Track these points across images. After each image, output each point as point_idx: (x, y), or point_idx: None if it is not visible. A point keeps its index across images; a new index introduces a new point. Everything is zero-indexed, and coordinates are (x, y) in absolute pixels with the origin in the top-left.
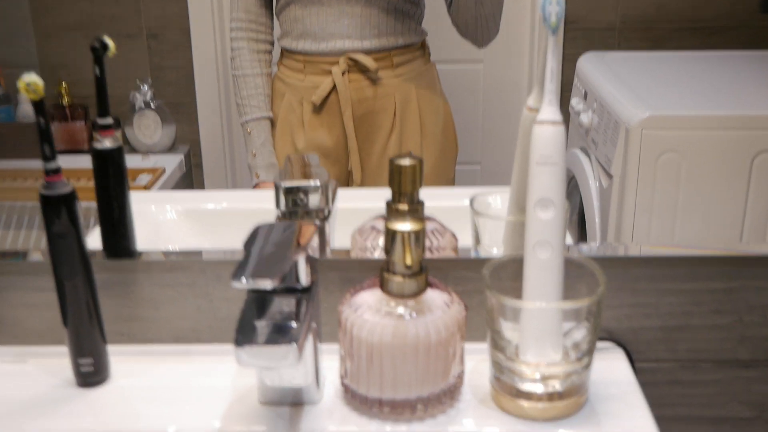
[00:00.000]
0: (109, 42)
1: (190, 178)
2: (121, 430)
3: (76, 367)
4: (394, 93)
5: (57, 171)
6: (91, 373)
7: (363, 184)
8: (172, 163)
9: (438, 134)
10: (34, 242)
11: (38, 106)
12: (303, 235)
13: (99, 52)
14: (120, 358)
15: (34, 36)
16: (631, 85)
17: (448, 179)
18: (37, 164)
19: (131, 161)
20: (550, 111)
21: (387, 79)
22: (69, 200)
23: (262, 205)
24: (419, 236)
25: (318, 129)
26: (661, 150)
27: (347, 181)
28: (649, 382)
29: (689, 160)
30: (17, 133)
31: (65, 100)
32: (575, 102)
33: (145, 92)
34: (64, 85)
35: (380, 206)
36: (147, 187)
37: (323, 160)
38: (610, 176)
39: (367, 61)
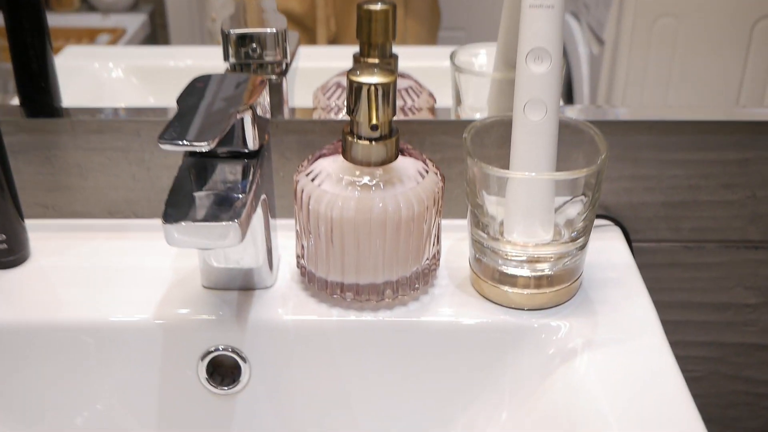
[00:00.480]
0: None
1: (155, 40)
2: (42, 319)
3: None
4: None
5: None
6: (4, 251)
7: None
8: (135, 22)
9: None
10: None
11: None
12: (249, 90)
13: None
14: (41, 234)
15: None
16: None
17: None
18: None
19: (90, 20)
20: None
21: None
22: None
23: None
24: (388, 91)
25: None
26: (658, 14)
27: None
28: (648, 264)
29: (686, 25)
30: None
31: None
32: None
33: None
34: None
35: (341, 65)
36: None
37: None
38: (601, 42)
39: None
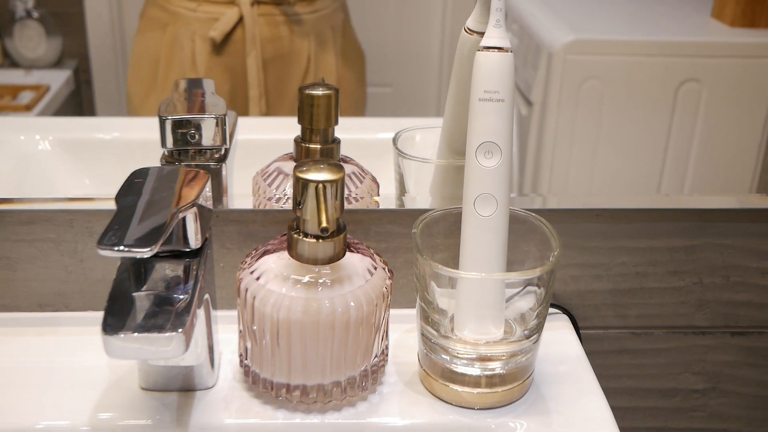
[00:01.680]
0: None
1: (79, 96)
2: None
3: None
4: (310, 33)
5: None
6: None
7: None
8: (58, 79)
9: (354, 82)
10: None
11: None
12: (191, 184)
13: None
14: None
15: None
16: (553, 7)
17: (359, 107)
18: None
19: (12, 77)
20: (496, 34)
21: (303, 15)
22: None
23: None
24: (337, 188)
25: (214, 72)
26: (585, 76)
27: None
28: (596, 351)
29: (613, 87)
30: None
31: None
32: (469, 22)
33: (26, 0)
34: None
35: (282, 138)
36: (29, 107)
37: None
38: (530, 103)
39: None
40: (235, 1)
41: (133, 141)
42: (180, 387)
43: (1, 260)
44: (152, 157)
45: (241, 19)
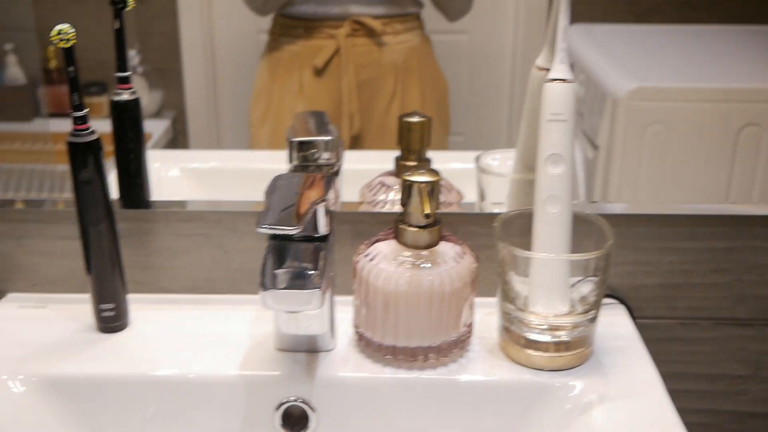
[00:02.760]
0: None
1: (176, 143)
2: (143, 374)
3: (98, 312)
4: (396, 60)
5: (84, 119)
6: (112, 318)
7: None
8: (158, 128)
9: (434, 104)
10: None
11: (68, 54)
12: (319, 185)
13: (119, 5)
14: (138, 305)
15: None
16: (617, 57)
17: (444, 128)
18: (23, 127)
19: None
20: (561, 69)
21: (391, 45)
22: (95, 147)
23: (257, 165)
24: (435, 187)
25: (316, 95)
26: (648, 121)
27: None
28: (649, 338)
29: (675, 131)
30: (5, 96)
31: (52, 64)
32: (539, 61)
33: (132, 57)
34: (51, 49)
35: (375, 168)
36: None
37: None
38: (596, 147)
39: (374, 24)
40: (334, 36)
41: (248, 169)
42: (307, 349)
43: (165, 251)
44: (248, 182)
45: (338, 50)
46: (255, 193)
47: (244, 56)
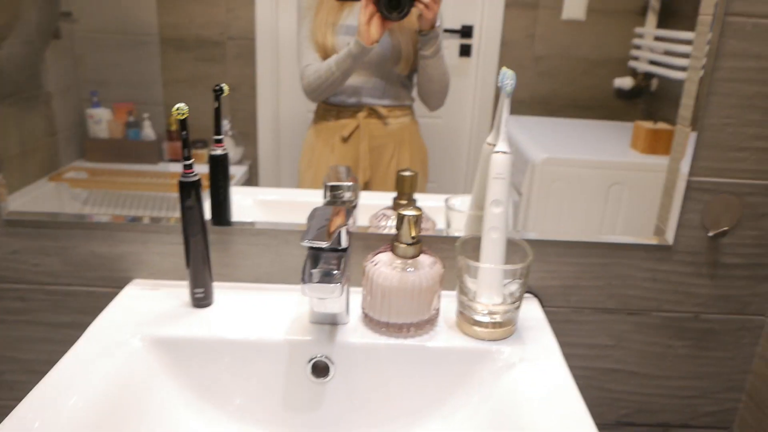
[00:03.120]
0: (225, 86)
1: (250, 182)
2: (223, 336)
3: (192, 294)
4: (395, 135)
5: (191, 166)
6: (202, 298)
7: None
8: (239, 172)
9: (418, 163)
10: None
11: (182, 123)
12: (344, 214)
13: (219, 92)
14: (219, 290)
15: (161, 84)
16: (535, 138)
17: (423, 177)
18: (151, 168)
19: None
20: (503, 145)
21: (392, 125)
22: (197, 185)
23: (302, 198)
24: (418, 219)
25: (343, 155)
26: (554, 179)
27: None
28: (552, 320)
29: (571, 185)
30: (141, 147)
31: (173, 127)
32: (489, 139)
33: (225, 125)
34: (172, 118)
35: (379, 203)
36: None
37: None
38: (520, 194)
39: (383, 111)
40: (355, 117)
41: (296, 201)
42: (330, 322)
43: (240, 254)
44: (296, 210)
45: (357, 126)
46: (300, 218)
47: (297, 126)
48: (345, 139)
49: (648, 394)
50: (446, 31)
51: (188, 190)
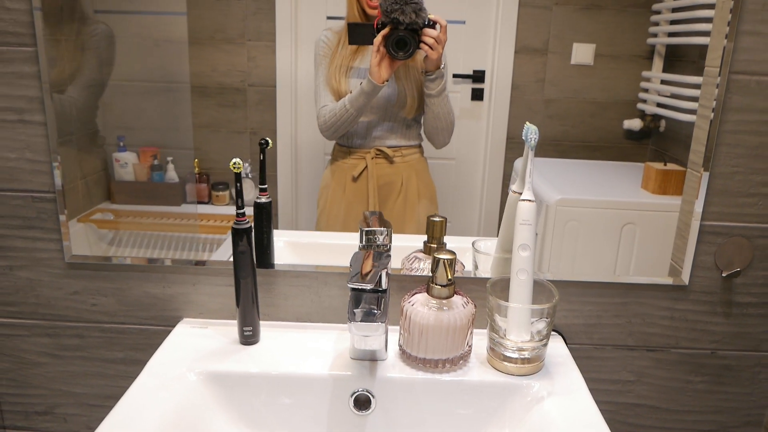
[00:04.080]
0: (269, 140)
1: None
2: (269, 370)
3: (241, 332)
4: (401, 172)
5: (243, 214)
6: (250, 335)
7: None
8: (248, 218)
9: (426, 199)
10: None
11: (237, 176)
12: (371, 258)
13: (264, 145)
14: (265, 329)
15: (192, 128)
16: (548, 179)
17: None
18: (174, 209)
19: (234, 209)
20: (528, 194)
21: (398, 164)
22: (249, 231)
23: (331, 241)
24: (453, 262)
25: (354, 193)
26: (567, 219)
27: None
28: (576, 357)
29: (584, 225)
30: (165, 189)
31: (196, 170)
32: (514, 187)
33: (246, 167)
34: (195, 161)
35: (404, 245)
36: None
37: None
38: (536, 234)
39: (389, 152)
40: (364, 158)
41: (325, 243)
42: (370, 358)
43: (282, 295)
44: (333, 252)
45: (366, 166)
46: (329, 259)
47: (314, 167)
48: (355, 179)
49: (669, 429)
50: (458, 76)
51: (240, 235)
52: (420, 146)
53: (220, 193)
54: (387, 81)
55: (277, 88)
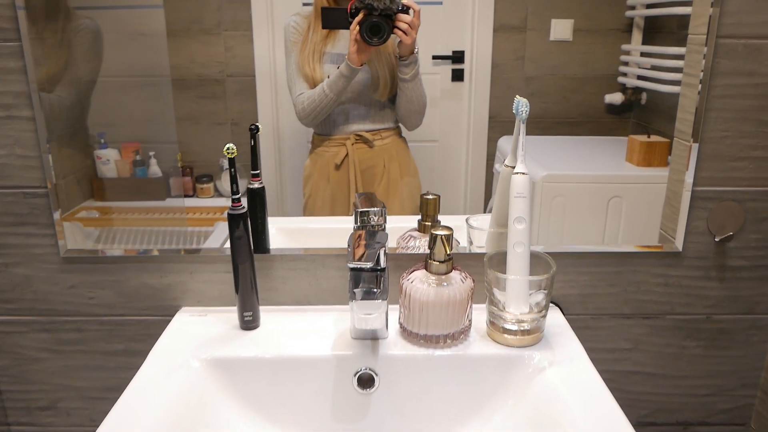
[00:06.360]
0: (259, 125)
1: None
2: (272, 354)
3: (241, 317)
4: (383, 155)
5: (239, 200)
6: (251, 321)
7: None
8: (243, 203)
9: (409, 177)
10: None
11: (231, 161)
12: (379, 237)
13: (254, 131)
14: (264, 313)
15: (175, 122)
16: (533, 156)
17: (415, 208)
18: (159, 204)
19: (219, 201)
20: (521, 167)
21: (378, 147)
22: (245, 217)
23: (323, 225)
24: (450, 237)
25: (338, 180)
26: (554, 195)
27: (351, 211)
28: (574, 327)
29: (571, 200)
30: (149, 184)
31: (180, 163)
32: (497, 167)
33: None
34: (179, 154)
35: (395, 226)
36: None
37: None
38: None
39: (368, 135)
40: (344, 144)
41: (317, 228)
42: (371, 337)
43: (281, 279)
44: (326, 235)
45: (347, 153)
46: (322, 243)
47: (297, 155)
48: (338, 167)
49: (666, 394)
50: (438, 57)
51: (237, 221)
52: (398, 128)
53: (204, 185)
54: (364, 63)
55: (256, 77)
